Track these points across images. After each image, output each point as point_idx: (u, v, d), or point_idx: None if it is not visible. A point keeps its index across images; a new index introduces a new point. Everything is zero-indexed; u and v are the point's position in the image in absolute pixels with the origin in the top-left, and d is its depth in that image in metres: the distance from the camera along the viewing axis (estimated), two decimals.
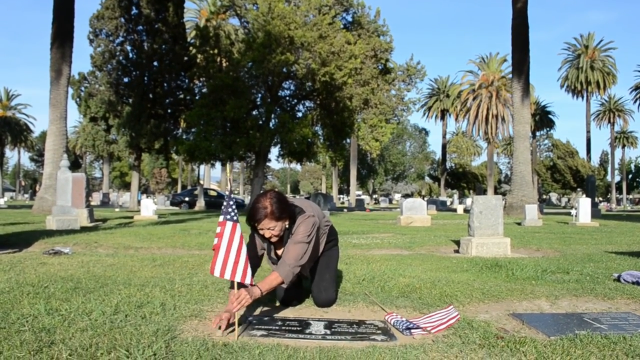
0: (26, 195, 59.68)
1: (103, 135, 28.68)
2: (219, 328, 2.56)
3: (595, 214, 18.13)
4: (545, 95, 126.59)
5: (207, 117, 21.49)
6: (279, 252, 3.18)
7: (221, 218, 2.67)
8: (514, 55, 21.68)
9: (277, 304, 3.30)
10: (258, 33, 21.90)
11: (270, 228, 2.93)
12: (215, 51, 24.25)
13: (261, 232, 2.97)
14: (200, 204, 29.50)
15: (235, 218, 2.67)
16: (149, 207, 16.08)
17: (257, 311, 3.12)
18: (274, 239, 3.03)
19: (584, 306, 3.42)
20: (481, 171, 66.55)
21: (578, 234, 10.27)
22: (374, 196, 68.20)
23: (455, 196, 56.01)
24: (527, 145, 21.61)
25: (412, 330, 2.65)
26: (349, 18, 26.97)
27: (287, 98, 24.69)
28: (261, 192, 3.03)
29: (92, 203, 34.78)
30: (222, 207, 2.70)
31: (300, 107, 25.57)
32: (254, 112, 23.25)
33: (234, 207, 2.69)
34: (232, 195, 2.75)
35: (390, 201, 58.44)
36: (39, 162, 70.69)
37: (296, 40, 20.54)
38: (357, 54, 22.07)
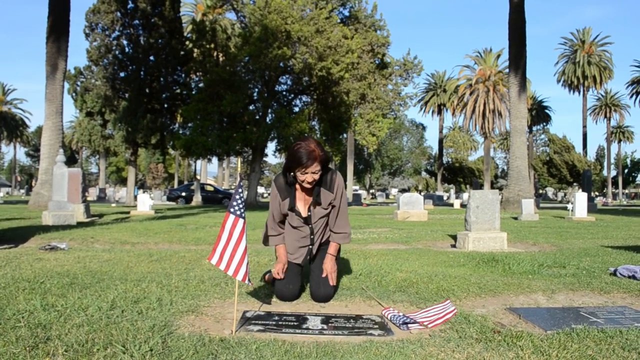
0: (22, 191, 59.47)
1: (99, 130, 28.49)
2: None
3: (592, 208, 18.21)
4: (542, 90, 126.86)
5: (203, 111, 21.41)
6: (301, 204, 3.21)
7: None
8: (511, 50, 21.66)
9: (274, 299, 3.30)
10: (255, 27, 21.79)
11: (315, 172, 2.94)
12: (212, 45, 24.13)
13: (303, 176, 2.96)
14: (197, 199, 29.48)
15: (239, 212, 2.66)
16: (146, 203, 16.07)
17: (254, 306, 3.12)
18: (308, 186, 3.04)
19: (580, 300, 3.43)
20: (478, 166, 66.69)
21: (574, 229, 10.29)
22: (371, 191, 68.18)
23: (452, 191, 56.06)
24: (524, 140, 21.62)
25: (409, 325, 2.65)
26: (346, 12, 26.83)
27: (284, 93, 24.62)
28: (299, 140, 3.03)
29: (89, 198, 34.72)
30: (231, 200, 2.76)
31: (297, 101, 25.49)
32: (250, 107, 23.17)
33: (239, 201, 2.68)
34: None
35: (387, 196, 58.50)
36: (35, 158, 70.44)
37: (293, 35, 20.45)
38: (354, 49, 21.98)
